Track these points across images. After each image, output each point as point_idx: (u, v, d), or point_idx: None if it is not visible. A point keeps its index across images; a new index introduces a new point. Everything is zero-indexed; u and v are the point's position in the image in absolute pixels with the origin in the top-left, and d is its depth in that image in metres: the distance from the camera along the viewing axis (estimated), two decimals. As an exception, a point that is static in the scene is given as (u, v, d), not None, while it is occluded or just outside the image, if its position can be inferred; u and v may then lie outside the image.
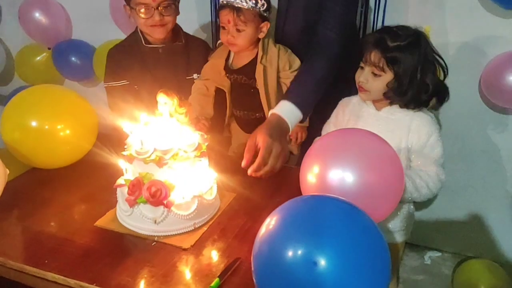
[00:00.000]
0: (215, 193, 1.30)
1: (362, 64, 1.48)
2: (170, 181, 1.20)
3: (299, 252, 0.83)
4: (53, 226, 1.28)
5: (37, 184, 1.46)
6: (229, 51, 1.68)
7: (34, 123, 1.42)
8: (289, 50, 1.65)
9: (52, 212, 1.33)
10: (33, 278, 1.13)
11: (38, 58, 2.83)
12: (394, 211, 1.53)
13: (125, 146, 1.24)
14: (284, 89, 1.62)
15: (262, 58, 1.60)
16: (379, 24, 2.11)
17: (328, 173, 1.15)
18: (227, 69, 1.68)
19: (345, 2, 1.57)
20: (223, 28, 1.56)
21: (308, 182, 1.19)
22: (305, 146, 1.71)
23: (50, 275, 1.08)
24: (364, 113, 1.55)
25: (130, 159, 1.21)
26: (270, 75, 1.62)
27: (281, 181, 1.49)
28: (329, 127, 1.66)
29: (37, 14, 2.68)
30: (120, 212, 1.27)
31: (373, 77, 1.45)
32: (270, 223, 0.94)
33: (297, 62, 1.63)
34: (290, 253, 0.84)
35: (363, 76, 1.47)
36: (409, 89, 1.43)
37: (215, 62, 1.68)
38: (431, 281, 2.20)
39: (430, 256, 2.37)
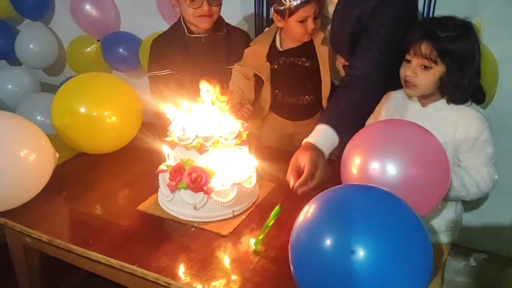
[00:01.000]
0: (254, 181, 1.31)
1: (408, 58, 1.42)
2: (211, 168, 1.21)
3: (337, 240, 0.82)
4: (98, 208, 1.33)
5: (85, 168, 1.52)
6: (274, 37, 1.67)
7: (82, 110, 1.47)
8: None
9: (97, 195, 1.38)
10: (78, 257, 1.18)
11: (88, 49, 2.92)
12: (440, 211, 1.48)
13: (168, 133, 1.26)
14: None
15: (323, 40, 1.59)
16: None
17: (370, 165, 1.13)
18: (274, 52, 1.65)
19: (388, 40, 1.45)
20: (302, 22, 1.54)
21: (349, 173, 1.17)
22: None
23: (94, 255, 1.13)
24: (409, 110, 1.49)
25: (172, 145, 1.24)
26: (332, 57, 1.61)
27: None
28: (371, 121, 1.62)
29: (87, 7, 2.77)
30: (162, 197, 1.29)
31: (422, 71, 1.38)
32: (308, 211, 0.94)
33: None
34: (327, 242, 0.83)
35: (411, 70, 1.39)
36: (462, 82, 1.36)
37: (258, 48, 1.67)
38: (476, 284, 2.12)
39: (475, 258, 2.28)
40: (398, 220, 0.85)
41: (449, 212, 1.51)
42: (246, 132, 1.28)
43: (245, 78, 1.71)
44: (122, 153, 1.58)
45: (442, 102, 1.43)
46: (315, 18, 1.54)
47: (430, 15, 2.05)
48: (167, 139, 1.25)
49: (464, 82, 1.35)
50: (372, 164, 1.12)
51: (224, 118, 1.25)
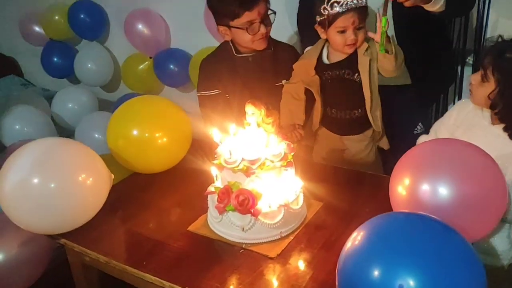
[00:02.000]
0: (301, 202, 1.31)
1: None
2: (258, 190, 1.23)
3: (385, 272, 0.80)
4: (151, 228, 1.38)
5: (138, 188, 1.58)
6: (322, 49, 1.66)
7: (135, 132, 1.54)
8: None
9: (150, 215, 1.43)
10: (133, 277, 1.22)
11: (141, 66, 3.04)
12: (502, 232, 1.41)
13: (215, 155, 1.29)
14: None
15: (366, 51, 1.57)
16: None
17: (420, 187, 1.10)
18: (321, 66, 1.64)
19: None
20: (342, 32, 1.53)
21: (398, 195, 1.15)
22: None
23: (148, 277, 1.17)
24: (476, 124, 1.43)
25: (220, 167, 1.26)
26: (374, 68, 1.58)
27: (371, 191, 1.46)
28: (438, 126, 1.57)
29: (140, 26, 2.89)
30: (211, 218, 1.32)
31: (480, 82, 1.34)
32: (356, 238, 0.93)
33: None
34: (375, 273, 0.82)
35: (474, 77, 1.36)
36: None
37: (305, 62, 1.67)
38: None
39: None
40: (449, 251, 0.82)
41: (505, 234, 1.43)
42: (292, 154, 1.28)
43: (294, 98, 1.71)
44: (173, 173, 1.62)
45: None
46: (357, 29, 1.52)
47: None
48: (214, 161, 1.27)
49: None
50: (422, 186, 1.10)
51: (270, 140, 1.26)
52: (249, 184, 1.23)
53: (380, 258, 0.83)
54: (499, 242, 1.43)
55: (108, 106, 3.24)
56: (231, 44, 1.76)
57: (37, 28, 3.35)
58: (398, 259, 0.81)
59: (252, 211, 1.21)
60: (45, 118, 2.68)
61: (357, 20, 1.50)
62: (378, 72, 1.60)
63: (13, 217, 1.28)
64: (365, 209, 1.35)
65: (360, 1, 1.48)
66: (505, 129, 1.31)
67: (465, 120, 1.47)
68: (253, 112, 1.27)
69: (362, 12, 1.51)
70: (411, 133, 1.84)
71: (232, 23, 1.67)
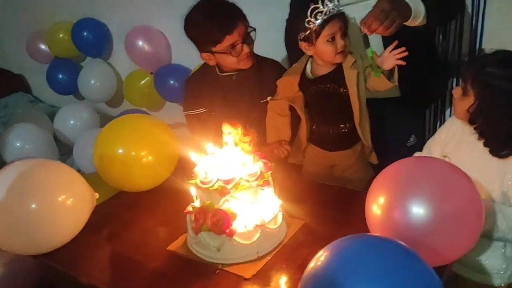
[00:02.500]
0: (280, 221, 1.30)
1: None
2: (233, 210, 1.22)
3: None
4: (131, 248, 1.38)
5: (123, 207, 1.59)
6: (305, 64, 1.65)
7: (120, 151, 1.55)
8: None
9: (132, 235, 1.43)
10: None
11: (142, 82, 3.08)
12: (496, 251, 1.38)
13: (192, 175, 1.29)
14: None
15: (353, 64, 1.56)
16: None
17: (393, 206, 1.08)
18: (305, 81, 1.64)
19: None
20: (331, 40, 1.52)
21: (373, 214, 1.13)
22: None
23: (123, 299, 1.17)
24: (464, 139, 1.41)
25: (196, 187, 1.26)
26: (361, 81, 1.57)
27: (355, 209, 1.43)
28: (431, 143, 1.55)
29: (140, 42, 2.92)
30: (189, 237, 1.32)
31: (461, 96, 1.31)
32: (318, 258, 0.91)
33: None
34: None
35: (455, 91, 1.34)
36: (493, 125, 1.25)
37: (288, 78, 1.66)
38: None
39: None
40: (407, 276, 0.80)
41: (503, 253, 1.39)
42: (269, 173, 1.28)
43: (279, 115, 1.71)
44: (160, 191, 1.62)
45: None
46: (343, 35, 1.52)
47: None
48: (191, 181, 1.27)
49: (500, 129, 1.24)
50: (396, 205, 1.07)
51: (246, 159, 1.26)
52: (224, 204, 1.22)
53: (336, 281, 0.81)
54: (494, 260, 1.40)
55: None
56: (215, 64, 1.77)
57: (43, 46, 3.43)
58: (354, 283, 0.80)
59: (227, 231, 1.21)
60: (46, 135, 2.72)
61: (342, 25, 1.51)
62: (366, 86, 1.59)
63: (-6, 238, 1.30)
64: (347, 227, 1.32)
65: (339, 8, 1.50)
66: (485, 144, 1.28)
67: (454, 135, 1.45)
68: (230, 132, 1.27)
69: (344, 18, 1.52)
70: (404, 145, 1.82)
71: (214, 49, 1.67)
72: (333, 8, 1.47)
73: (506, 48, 1.84)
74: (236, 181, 1.22)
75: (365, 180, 1.75)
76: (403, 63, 1.45)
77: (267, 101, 1.74)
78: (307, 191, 1.54)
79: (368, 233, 0.99)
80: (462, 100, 1.29)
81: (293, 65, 1.69)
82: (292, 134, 1.76)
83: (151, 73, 3.02)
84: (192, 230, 1.26)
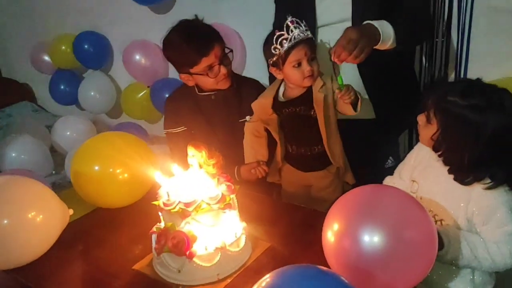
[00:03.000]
0: (242, 244, 1.30)
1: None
2: (194, 232, 1.23)
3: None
4: (98, 266, 1.39)
5: (97, 223, 1.61)
6: (278, 87, 1.68)
7: (96, 168, 1.58)
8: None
9: (102, 252, 1.45)
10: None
11: (140, 95, 3.13)
12: (463, 277, 1.36)
13: (157, 196, 1.31)
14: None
15: (321, 87, 1.58)
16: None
17: (345, 234, 1.08)
18: (278, 104, 1.66)
19: None
20: (297, 66, 1.55)
21: (327, 241, 1.13)
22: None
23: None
24: (431, 164, 1.40)
25: (160, 209, 1.28)
26: (329, 104, 1.59)
27: (318, 233, 1.43)
28: (401, 167, 1.55)
29: (137, 56, 2.98)
30: (154, 257, 1.33)
31: (425, 123, 1.31)
32: (260, 284, 0.93)
33: None
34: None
35: (420, 118, 1.33)
36: (456, 153, 1.23)
37: (262, 101, 1.68)
38: None
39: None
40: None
41: (467, 279, 1.38)
42: (232, 196, 1.29)
43: (256, 136, 1.74)
44: (135, 208, 1.64)
45: None
46: (311, 60, 1.55)
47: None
48: (154, 202, 1.29)
49: (463, 157, 1.22)
50: (348, 233, 1.08)
51: (208, 182, 1.27)
52: (185, 226, 1.24)
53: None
54: (461, 286, 1.38)
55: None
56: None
57: (46, 58, 3.51)
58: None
59: (187, 253, 1.22)
60: (41, 146, 2.78)
61: (308, 51, 1.53)
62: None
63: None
64: (310, 252, 1.33)
65: (305, 34, 1.52)
66: (449, 172, 1.28)
67: (422, 160, 1.45)
68: (194, 154, 1.29)
69: (311, 43, 1.55)
70: (382, 167, 1.82)
71: (192, 70, 1.70)
72: (298, 35, 1.49)
73: (491, 71, 1.84)
74: (197, 203, 1.23)
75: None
76: (348, 103, 1.49)
77: (246, 121, 1.75)
78: (278, 213, 1.55)
79: (312, 265, 0.98)
80: (426, 127, 1.29)
81: (267, 88, 1.71)
82: (270, 153, 1.77)
83: (148, 87, 3.06)
84: (155, 250, 1.28)
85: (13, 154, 2.65)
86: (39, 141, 2.80)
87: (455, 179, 1.27)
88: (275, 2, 1.89)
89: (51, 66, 3.50)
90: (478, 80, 1.27)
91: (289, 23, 1.50)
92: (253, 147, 1.73)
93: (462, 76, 1.98)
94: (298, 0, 1.72)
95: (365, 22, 1.51)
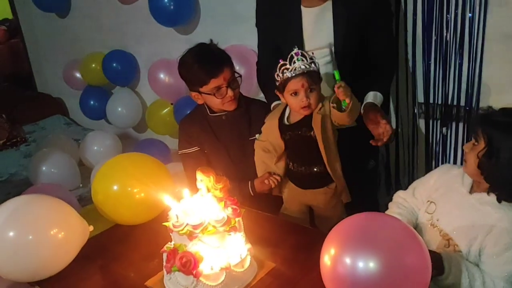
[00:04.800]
0: (247, 265, 1.37)
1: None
2: (201, 253, 1.31)
3: None
4: (115, 281, 1.49)
5: (115, 239, 1.71)
6: (283, 110, 1.76)
7: (115, 187, 1.68)
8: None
9: (118, 267, 1.55)
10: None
11: (164, 111, 3.25)
12: None
13: (168, 218, 1.39)
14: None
15: (320, 109, 1.66)
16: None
17: (341, 259, 1.13)
18: (283, 127, 1.74)
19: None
20: (294, 94, 1.64)
21: (324, 265, 1.19)
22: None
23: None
24: (455, 189, 1.45)
25: (169, 230, 1.36)
26: (328, 124, 1.66)
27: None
28: (417, 184, 1.60)
29: (162, 75, 3.10)
30: (165, 275, 1.42)
31: (472, 147, 1.35)
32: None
33: None
34: None
35: (466, 146, 1.38)
36: (503, 168, 1.28)
37: (270, 124, 1.77)
38: None
39: None
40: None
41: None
42: (237, 219, 1.36)
43: (265, 152, 1.82)
44: (151, 226, 1.73)
45: (491, 196, 1.35)
46: (310, 91, 1.62)
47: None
48: (164, 223, 1.38)
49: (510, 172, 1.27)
50: (343, 259, 1.13)
51: (215, 206, 1.35)
52: (192, 246, 1.32)
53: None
54: None
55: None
56: (205, 104, 1.89)
57: (77, 74, 3.69)
58: None
59: (194, 272, 1.30)
60: (70, 161, 2.93)
61: (306, 83, 1.60)
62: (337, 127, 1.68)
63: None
64: (313, 273, 1.38)
65: (308, 66, 1.60)
66: (491, 190, 1.33)
67: (445, 183, 1.49)
68: (202, 179, 1.37)
69: (312, 75, 1.62)
70: (365, 169, 1.99)
71: (201, 90, 1.81)
72: (299, 67, 1.57)
73: (503, 95, 1.86)
74: (204, 226, 1.31)
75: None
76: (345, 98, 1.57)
77: (255, 139, 1.86)
78: (283, 234, 1.61)
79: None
80: (473, 149, 1.33)
81: (274, 110, 1.79)
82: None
83: (172, 104, 3.18)
84: (165, 268, 1.36)
85: (44, 168, 2.80)
86: (69, 156, 2.95)
87: (499, 197, 1.32)
88: (256, 26, 2.03)
89: (82, 82, 3.68)
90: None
91: (293, 54, 1.60)
92: (264, 161, 1.81)
93: (474, 101, 2.01)
94: (286, 27, 1.87)
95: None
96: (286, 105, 1.75)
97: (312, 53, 1.65)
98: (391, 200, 1.66)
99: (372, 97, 1.79)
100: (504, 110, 1.33)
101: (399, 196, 1.63)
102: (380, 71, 1.90)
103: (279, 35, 1.90)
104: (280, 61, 1.62)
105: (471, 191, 1.41)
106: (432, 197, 1.50)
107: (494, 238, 1.30)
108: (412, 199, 1.58)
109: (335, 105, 1.59)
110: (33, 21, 4.16)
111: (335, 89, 1.54)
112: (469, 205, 1.38)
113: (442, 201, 1.46)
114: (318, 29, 1.84)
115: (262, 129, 1.79)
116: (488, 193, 1.35)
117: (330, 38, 1.83)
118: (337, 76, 1.54)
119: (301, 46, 1.80)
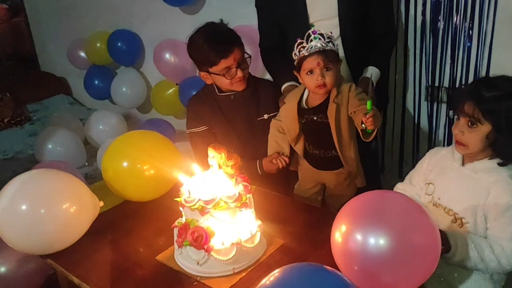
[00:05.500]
0: (257, 241, 1.39)
1: (456, 115, 1.40)
2: (212, 228, 1.33)
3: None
4: (125, 255, 1.51)
5: (126, 215, 1.73)
6: (303, 93, 1.76)
7: (125, 164, 1.69)
8: (359, 89, 1.69)
9: (129, 242, 1.57)
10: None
11: (169, 92, 3.25)
12: (471, 278, 1.42)
13: (179, 193, 1.41)
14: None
15: (336, 97, 1.65)
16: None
17: (352, 236, 1.15)
18: (300, 110, 1.75)
19: None
20: (310, 73, 1.63)
21: (335, 241, 1.20)
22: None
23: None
24: (448, 166, 1.48)
25: (181, 205, 1.38)
26: (343, 113, 1.67)
27: (330, 233, 1.51)
28: (412, 174, 1.62)
29: (167, 55, 3.09)
30: (175, 249, 1.44)
31: (468, 129, 1.36)
32: (269, 278, 1.02)
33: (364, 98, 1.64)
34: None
35: (458, 128, 1.38)
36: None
37: (289, 107, 1.77)
38: None
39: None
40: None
41: (480, 280, 1.43)
42: (248, 195, 1.37)
43: (279, 132, 1.83)
44: (161, 202, 1.75)
45: (482, 163, 1.38)
46: (326, 70, 1.61)
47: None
48: (176, 199, 1.39)
49: None
50: (354, 235, 1.15)
51: (227, 182, 1.36)
52: (204, 222, 1.33)
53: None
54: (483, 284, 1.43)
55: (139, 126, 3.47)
56: (214, 84, 1.89)
57: (82, 53, 3.67)
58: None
59: (206, 247, 1.32)
60: (75, 139, 2.94)
61: (322, 61, 1.60)
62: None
63: (6, 239, 1.47)
64: (321, 250, 1.40)
65: (325, 45, 1.59)
66: (501, 164, 1.35)
67: (437, 164, 1.51)
68: (214, 156, 1.38)
69: (329, 54, 1.61)
70: (368, 150, 1.95)
71: (211, 70, 1.80)
72: (315, 45, 1.56)
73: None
74: (216, 201, 1.32)
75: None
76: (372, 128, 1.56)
77: (264, 119, 1.87)
78: (293, 212, 1.63)
79: (319, 265, 1.06)
80: (474, 130, 1.33)
81: (293, 91, 1.79)
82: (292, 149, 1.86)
83: (177, 84, 3.18)
84: (176, 243, 1.38)
85: (50, 146, 2.81)
86: (74, 134, 2.96)
87: (507, 160, 1.35)
88: (256, 6, 2.04)
89: (87, 62, 3.67)
90: (487, 76, 1.35)
91: (311, 32, 1.59)
92: (277, 141, 1.83)
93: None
94: (289, 1, 1.87)
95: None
96: (305, 88, 1.75)
97: (331, 33, 1.64)
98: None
99: (369, 72, 1.85)
100: (487, 81, 1.35)
101: (398, 188, 1.65)
102: (381, 41, 1.94)
103: (282, 10, 1.89)
104: (298, 39, 1.61)
105: (463, 163, 1.43)
106: (429, 179, 1.52)
107: (494, 200, 1.33)
108: (411, 187, 1.61)
109: (364, 127, 1.57)
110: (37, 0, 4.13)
111: (365, 118, 1.53)
112: (464, 176, 1.41)
113: (439, 180, 1.49)
114: (322, 1, 1.83)
115: (280, 109, 1.80)
116: (499, 164, 1.36)
117: (334, 10, 1.83)
118: (369, 106, 1.50)
119: (305, 18, 1.82)
